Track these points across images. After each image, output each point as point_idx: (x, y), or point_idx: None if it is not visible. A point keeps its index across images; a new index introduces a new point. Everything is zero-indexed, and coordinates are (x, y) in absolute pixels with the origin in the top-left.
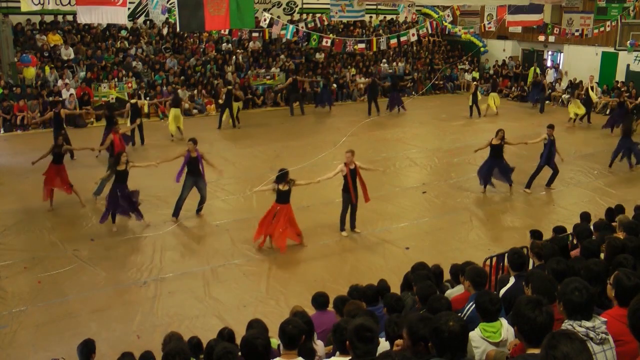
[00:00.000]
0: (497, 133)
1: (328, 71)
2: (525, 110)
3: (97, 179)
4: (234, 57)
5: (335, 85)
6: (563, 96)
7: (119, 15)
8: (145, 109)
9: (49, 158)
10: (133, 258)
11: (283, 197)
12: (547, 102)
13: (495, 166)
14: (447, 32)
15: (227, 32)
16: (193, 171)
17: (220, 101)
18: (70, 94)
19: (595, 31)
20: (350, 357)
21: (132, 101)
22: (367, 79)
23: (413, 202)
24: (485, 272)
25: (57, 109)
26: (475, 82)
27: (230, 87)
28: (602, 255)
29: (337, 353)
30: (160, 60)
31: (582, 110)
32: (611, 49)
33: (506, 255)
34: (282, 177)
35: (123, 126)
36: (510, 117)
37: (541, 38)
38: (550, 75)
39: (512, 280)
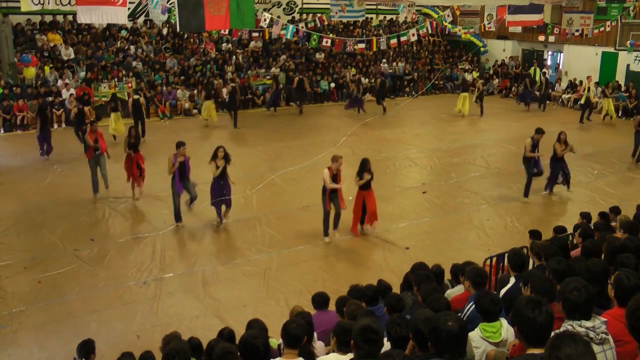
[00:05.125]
0: (559, 136)
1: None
2: (525, 111)
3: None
4: (234, 57)
5: (334, 84)
6: (563, 96)
7: (119, 15)
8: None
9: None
10: (133, 258)
11: (367, 185)
12: (547, 102)
13: (560, 169)
14: (447, 32)
15: (227, 32)
16: (184, 175)
17: (220, 100)
18: (70, 94)
19: (595, 31)
20: (349, 356)
21: (135, 97)
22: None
23: (413, 202)
24: (485, 272)
25: (81, 105)
26: (481, 81)
27: (234, 84)
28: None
29: (336, 351)
30: (160, 60)
31: (612, 109)
32: (611, 49)
33: (506, 255)
34: (364, 167)
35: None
36: (510, 117)
37: (541, 38)
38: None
39: (512, 280)
